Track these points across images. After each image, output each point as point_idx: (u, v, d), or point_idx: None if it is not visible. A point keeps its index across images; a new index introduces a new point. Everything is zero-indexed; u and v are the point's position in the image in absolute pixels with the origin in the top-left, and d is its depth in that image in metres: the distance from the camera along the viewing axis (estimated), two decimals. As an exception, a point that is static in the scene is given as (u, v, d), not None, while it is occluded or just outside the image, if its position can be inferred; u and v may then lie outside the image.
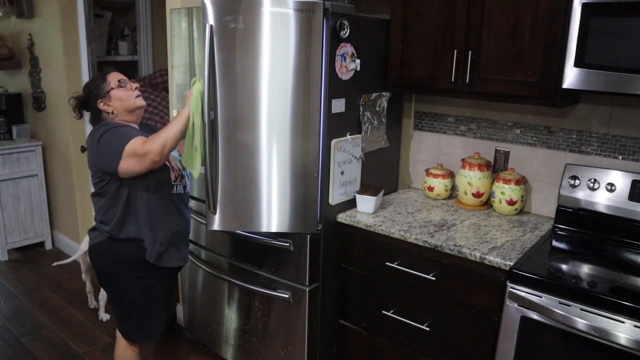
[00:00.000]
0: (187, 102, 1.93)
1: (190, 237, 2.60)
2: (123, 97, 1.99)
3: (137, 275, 2.01)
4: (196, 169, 1.99)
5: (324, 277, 2.23)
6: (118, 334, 2.17)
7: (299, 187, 2.07)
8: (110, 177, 1.91)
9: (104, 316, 3.14)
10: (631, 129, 2.02)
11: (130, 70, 4.39)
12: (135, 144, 1.84)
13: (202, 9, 1.91)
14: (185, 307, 2.87)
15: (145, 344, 2.20)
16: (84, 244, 3.02)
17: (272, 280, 2.30)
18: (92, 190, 2.04)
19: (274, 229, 2.11)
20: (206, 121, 1.94)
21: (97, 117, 2.03)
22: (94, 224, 2.07)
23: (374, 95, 2.27)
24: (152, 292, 2.07)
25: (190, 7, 2.37)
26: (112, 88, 1.98)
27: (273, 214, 2.11)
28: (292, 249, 2.18)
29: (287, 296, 2.24)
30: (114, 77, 2.01)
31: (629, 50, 1.62)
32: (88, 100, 2.01)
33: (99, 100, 1.98)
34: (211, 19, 1.91)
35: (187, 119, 1.92)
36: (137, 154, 1.83)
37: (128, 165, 1.85)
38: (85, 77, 3.39)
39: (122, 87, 2.00)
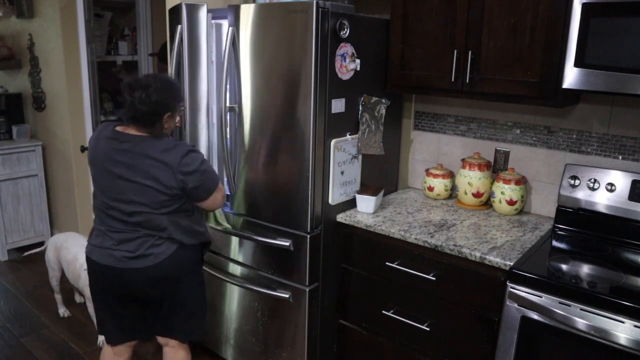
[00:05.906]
0: None
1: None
2: (177, 120, 1.97)
3: (198, 273, 2.09)
4: None
5: (324, 277, 2.23)
6: (173, 347, 2.13)
7: (293, 186, 2.08)
8: (182, 194, 1.90)
9: (65, 312, 3.21)
10: (631, 129, 2.02)
11: (130, 70, 4.40)
12: (220, 185, 2.01)
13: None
14: (185, 307, 2.86)
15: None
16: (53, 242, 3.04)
17: (272, 280, 2.30)
18: (156, 209, 1.90)
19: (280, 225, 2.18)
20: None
21: (146, 122, 1.85)
22: (101, 228, 1.93)
23: (374, 99, 2.27)
24: (204, 285, 2.15)
25: (190, 7, 2.37)
26: (182, 109, 1.99)
27: (280, 209, 2.11)
28: (292, 249, 2.18)
29: (287, 296, 2.24)
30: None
31: (629, 50, 1.62)
32: (160, 105, 1.82)
33: (168, 114, 1.86)
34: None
35: None
36: (220, 192, 2.00)
37: (217, 197, 1.97)
38: (85, 77, 3.39)
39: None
